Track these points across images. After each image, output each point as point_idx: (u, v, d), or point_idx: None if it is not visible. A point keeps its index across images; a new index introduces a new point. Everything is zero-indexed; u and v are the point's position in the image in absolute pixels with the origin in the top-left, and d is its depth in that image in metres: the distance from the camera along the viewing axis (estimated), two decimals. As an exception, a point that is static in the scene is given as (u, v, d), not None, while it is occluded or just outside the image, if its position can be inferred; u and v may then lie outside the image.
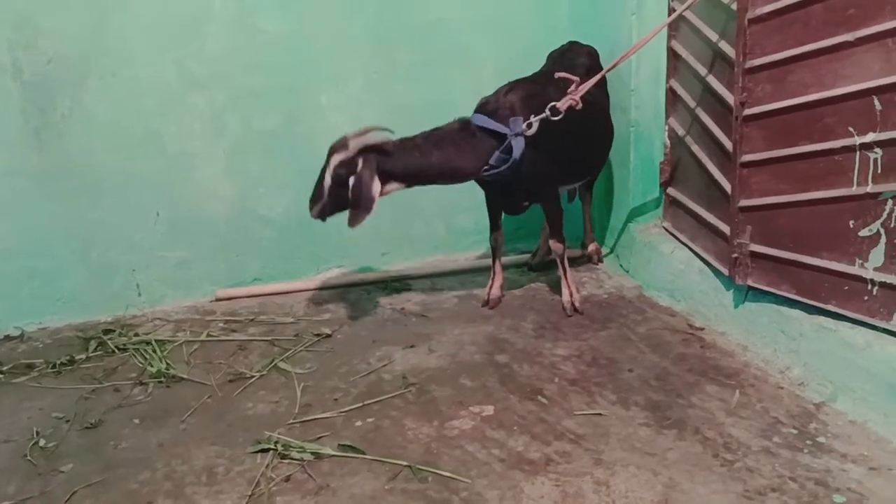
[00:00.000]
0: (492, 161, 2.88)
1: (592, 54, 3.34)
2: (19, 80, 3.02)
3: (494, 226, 3.25)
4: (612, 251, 3.69)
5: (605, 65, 3.40)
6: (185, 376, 2.74)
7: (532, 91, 2.95)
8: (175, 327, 3.18)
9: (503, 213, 3.27)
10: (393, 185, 2.92)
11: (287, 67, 3.39)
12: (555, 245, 3.15)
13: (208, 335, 3.08)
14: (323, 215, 2.95)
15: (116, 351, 2.96)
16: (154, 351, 2.91)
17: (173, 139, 3.28)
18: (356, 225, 2.84)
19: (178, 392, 2.65)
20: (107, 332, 3.10)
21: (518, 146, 2.83)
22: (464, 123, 2.93)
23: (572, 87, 2.89)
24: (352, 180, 2.82)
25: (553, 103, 2.83)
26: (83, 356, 2.91)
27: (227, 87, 3.32)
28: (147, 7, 3.14)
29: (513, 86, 2.99)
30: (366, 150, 2.84)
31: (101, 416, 2.50)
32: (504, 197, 3.15)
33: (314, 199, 2.93)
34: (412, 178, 2.94)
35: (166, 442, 2.34)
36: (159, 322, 3.24)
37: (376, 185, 2.84)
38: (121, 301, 3.31)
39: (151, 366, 2.80)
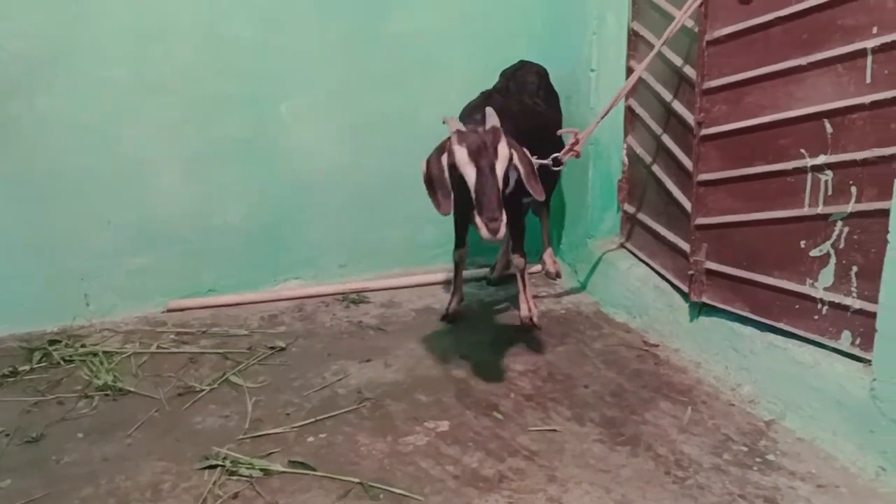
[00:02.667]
0: None
1: (541, 73, 3.37)
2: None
3: (461, 242, 3.23)
4: (570, 267, 3.70)
5: (562, 83, 3.44)
6: (132, 389, 2.67)
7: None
8: (124, 339, 3.10)
9: (468, 228, 3.23)
10: None
11: (252, 75, 3.34)
12: (518, 260, 3.15)
13: (158, 347, 3.00)
14: (506, 229, 2.43)
15: (62, 362, 2.87)
16: (101, 363, 2.83)
17: (130, 144, 3.21)
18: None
19: (124, 405, 2.58)
20: (52, 342, 3.01)
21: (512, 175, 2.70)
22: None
23: (572, 139, 2.86)
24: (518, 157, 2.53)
25: (556, 155, 2.80)
26: (27, 367, 2.82)
27: (188, 93, 3.26)
28: (109, 11, 3.07)
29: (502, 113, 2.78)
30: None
31: (43, 429, 2.42)
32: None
33: (494, 215, 2.35)
34: None
35: (111, 457, 2.27)
36: (108, 333, 3.15)
37: (516, 151, 2.55)
38: (68, 311, 3.21)
39: (98, 378, 2.72)
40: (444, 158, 2.48)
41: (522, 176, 2.53)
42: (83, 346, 3.00)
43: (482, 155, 2.40)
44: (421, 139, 3.62)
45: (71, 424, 2.46)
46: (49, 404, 2.58)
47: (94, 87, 3.10)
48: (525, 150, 2.60)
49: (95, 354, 2.90)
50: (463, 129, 2.46)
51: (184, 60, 3.21)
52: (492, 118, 2.52)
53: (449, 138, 2.49)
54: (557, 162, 2.84)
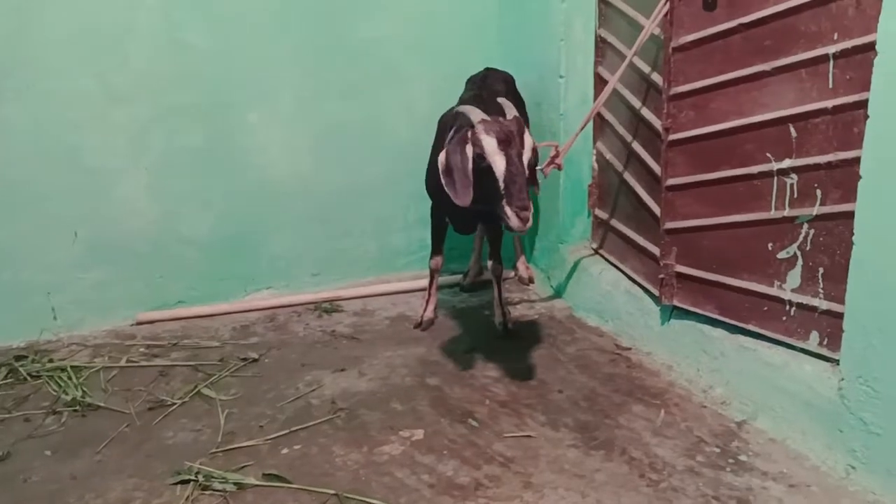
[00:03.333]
0: None
1: (508, 80, 3.38)
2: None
3: (437, 250, 3.23)
4: (543, 272, 3.72)
5: (531, 90, 3.46)
6: (101, 404, 2.62)
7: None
8: (93, 353, 3.05)
9: (446, 236, 3.23)
10: None
11: (214, 84, 3.31)
12: (495, 266, 3.16)
13: (128, 361, 2.95)
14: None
15: (29, 378, 2.81)
16: (69, 378, 2.78)
17: (93, 154, 3.16)
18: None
19: (94, 421, 2.53)
20: (19, 358, 2.94)
21: None
22: None
23: (553, 152, 2.87)
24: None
25: (539, 167, 2.81)
26: (-8, 384, 2.76)
27: (151, 102, 3.22)
28: (67, 18, 3.02)
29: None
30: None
31: (9, 447, 2.36)
32: (462, 217, 3.08)
33: (527, 204, 2.35)
34: None
35: (80, 474, 2.22)
36: (76, 347, 3.10)
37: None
38: (34, 325, 3.15)
39: (66, 394, 2.67)
40: (469, 149, 2.44)
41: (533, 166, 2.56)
42: (51, 360, 2.94)
43: (511, 144, 2.40)
44: (387, 146, 3.67)
45: (38, 442, 2.41)
46: (15, 421, 2.53)
47: (50, 98, 3.04)
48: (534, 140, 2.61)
49: (63, 369, 2.85)
50: (487, 118, 2.47)
51: (142, 69, 3.17)
52: (510, 109, 2.56)
53: (469, 130, 2.47)
54: (541, 173, 2.85)
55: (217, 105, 3.34)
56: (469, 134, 2.45)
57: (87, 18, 3.05)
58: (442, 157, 2.52)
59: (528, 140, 2.47)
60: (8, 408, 2.60)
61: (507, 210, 2.36)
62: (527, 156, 2.45)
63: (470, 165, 2.44)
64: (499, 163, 2.39)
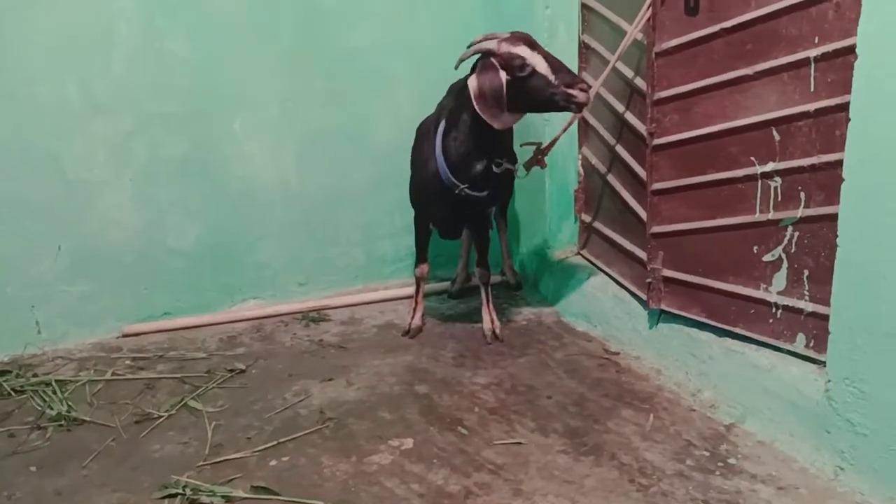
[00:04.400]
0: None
1: None
2: None
3: (422, 258, 3.23)
4: (530, 277, 3.72)
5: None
6: (87, 418, 2.59)
7: None
8: (78, 366, 3.02)
9: (430, 239, 3.24)
10: None
11: (198, 92, 3.30)
12: (483, 273, 3.16)
13: (113, 374, 2.92)
14: None
15: (13, 393, 2.77)
16: (54, 392, 2.74)
17: (75, 165, 3.13)
18: None
19: (79, 435, 2.50)
20: (2, 373, 2.90)
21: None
22: None
23: (537, 149, 2.95)
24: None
25: (522, 164, 2.93)
26: (-25, 399, 2.73)
27: (133, 111, 3.20)
28: (47, 26, 2.99)
29: None
30: None
31: (-7, 464, 2.34)
32: (451, 219, 3.12)
33: (580, 79, 2.65)
34: None
35: (65, 490, 2.20)
36: (61, 361, 3.07)
37: None
38: (19, 339, 3.11)
39: (51, 408, 2.64)
40: (501, 73, 2.62)
41: None
42: (35, 375, 2.90)
43: (536, 45, 2.64)
44: (372, 153, 3.66)
45: (22, 458, 2.37)
46: (-1, 437, 2.50)
47: (31, 108, 3.02)
48: None
49: (48, 384, 2.81)
50: (504, 35, 2.65)
51: (124, 78, 3.15)
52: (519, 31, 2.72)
53: (492, 57, 2.64)
54: (522, 171, 2.91)
55: (200, 113, 3.32)
56: (493, 60, 2.63)
57: (67, 27, 3.03)
58: (473, 84, 2.67)
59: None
60: (-9, 424, 2.58)
61: (572, 91, 2.56)
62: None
63: (504, 83, 2.61)
64: (539, 62, 2.59)
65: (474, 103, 2.66)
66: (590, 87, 2.60)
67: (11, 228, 3.06)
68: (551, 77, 2.57)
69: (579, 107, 2.60)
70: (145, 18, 3.14)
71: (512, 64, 2.60)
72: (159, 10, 3.17)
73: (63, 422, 2.57)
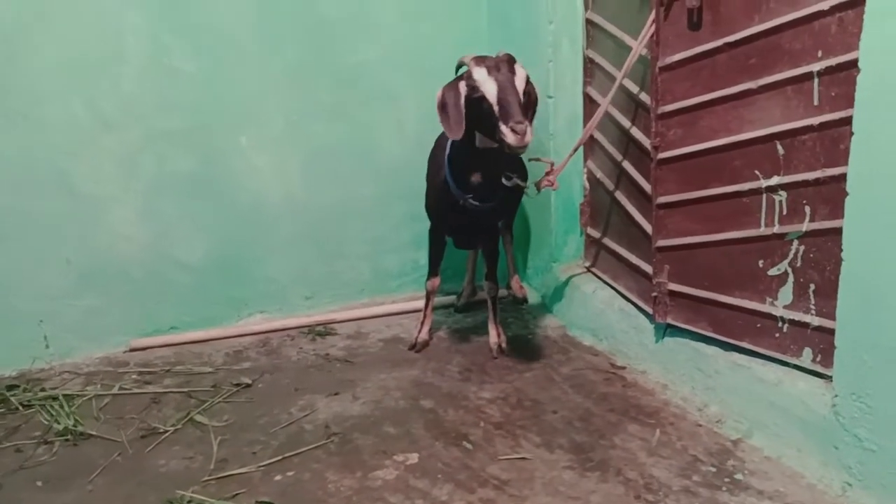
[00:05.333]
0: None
1: None
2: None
3: (434, 271, 3.23)
4: (536, 291, 3.71)
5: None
6: (93, 433, 2.60)
7: None
8: (85, 380, 3.03)
9: (444, 253, 3.24)
10: None
11: (204, 108, 3.33)
12: (490, 286, 3.16)
13: (120, 388, 2.94)
14: (532, 136, 2.51)
15: (20, 408, 2.79)
16: (61, 406, 2.76)
17: (84, 181, 3.16)
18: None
19: (85, 450, 2.51)
20: (10, 387, 2.92)
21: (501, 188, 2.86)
22: None
23: (548, 168, 2.92)
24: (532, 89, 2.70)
25: (533, 183, 2.89)
26: (-17, 414, 2.74)
27: (141, 127, 3.23)
28: (56, 45, 3.03)
29: None
30: None
31: (0, 479, 2.34)
32: (465, 228, 3.10)
33: (522, 118, 2.46)
34: None
35: (71, 505, 2.21)
36: (68, 375, 3.08)
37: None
38: (26, 354, 3.13)
39: (58, 423, 2.65)
40: (462, 85, 2.61)
41: (532, 99, 2.67)
42: (42, 389, 2.92)
43: (501, 70, 2.55)
44: (378, 167, 3.68)
45: (29, 473, 2.38)
46: (6, 452, 2.50)
47: (40, 124, 3.05)
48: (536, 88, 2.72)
49: (55, 398, 2.83)
50: (479, 56, 2.61)
51: (131, 95, 3.19)
52: (504, 53, 2.65)
53: (458, 75, 2.65)
54: (535, 189, 2.89)
55: (207, 129, 3.35)
56: (464, 75, 2.62)
57: (76, 45, 3.07)
58: (438, 94, 2.67)
59: (520, 70, 2.59)
60: (-1, 438, 2.59)
61: (503, 128, 2.46)
62: (520, 83, 2.56)
63: (462, 100, 2.59)
64: (490, 88, 2.52)
65: (438, 114, 2.68)
66: (525, 129, 2.43)
67: (20, 243, 3.09)
68: (495, 107, 2.50)
69: (508, 146, 2.48)
70: (152, 36, 3.18)
71: (468, 84, 2.59)
72: (166, 28, 3.21)
73: (70, 436, 2.58)
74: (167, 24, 3.21)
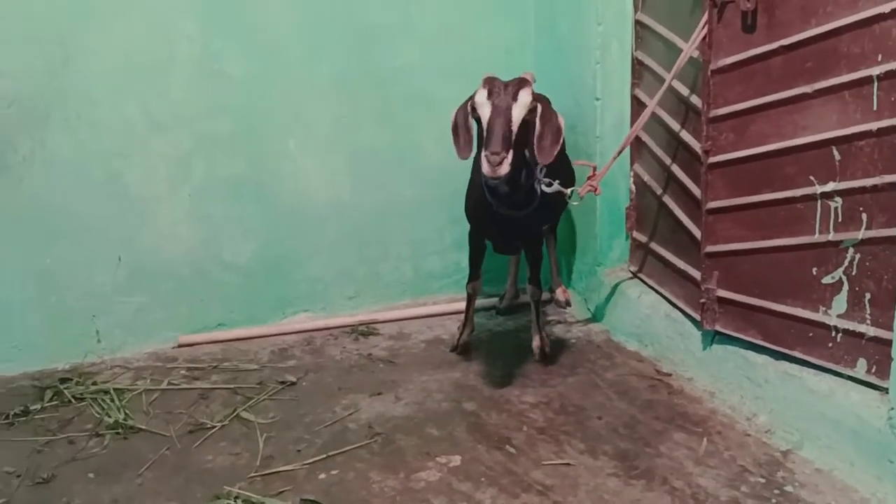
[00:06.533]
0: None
1: (545, 103, 3.36)
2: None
3: (475, 274, 3.21)
4: (580, 295, 3.69)
5: (567, 112, 3.43)
6: (143, 427, 2.65)
7: None
8: (135, 375, 3.09)
9: (484, 256, 3.22)
10: None
11: (253, 112, 3.37)
12: (533, 290, 3.14)
13: (169, 383, 2.99)
14: (512, 168, 2.45)
15: (73, 401, 2.85)
16: (112, 400, 2.82)
17: (136, 182, 3.23)
18: (543, 163, 2.64)
19: (135, 444, 2.57)
20: (63, 380, 3.00)
21: (539, 195, 2.79)
22: None
23: (591, 173, 2.89)
24: (540, 115, 2.58)
25: (574, 188, 2.84)
26: (38, 406, 2.80)
27: (191, 130, 3.28)
28: (110, 48, 3.10)
29: None
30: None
31: (53, 470, 2.40)
32: (503, 234, 3.07)
33: (497, 150, 2.41)
34: None
35: (121, 498, 2.25)
36: (119, 370, 3.15)
37: (561, 119, 2.64)
38: (79, 348, 3.21)
39: (109, 416, 2.71)
40: (468, 106, 2.61)
41: (536, 132, 2.58)
42: (94, 383, 2.99)
43: (500, 96, 2.51)
44: (421, 171, 3.68)
45: (81, 464, 2.44)
46: (60, 444, 2.57)
47: (94, 127, 3.12)
48: (560, 116, 2.65)
49: (106, 392, 2.89)
50: (491, 76, 2.60)
51: (182, 98, 3.23)
52: (527, 76, 2.62)
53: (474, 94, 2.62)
54: (575, 195, 2.84)
55: (255, 132, 3.39)
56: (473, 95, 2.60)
57: (130, 49, 3.13)
58: (452, 114, 2.68)
59: (522, 97, 2.52)
60: (53, 430, 2.65)
61: (482, 154, 2.45)
62: (518, 111, 2.50)
63: (470, 122, 2.60)
64: (485, 112, 2.52)
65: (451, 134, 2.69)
66: (498, 161, 2.39)
67: (75, 242, 3.17)
68: (484, 132, 2.50)
69: (485, 176, 2.47)
70: (203, 41, 3.23)
71: (470, 104, 2.60)
72: (217, 33, 3.26)
73: (120, 430, 2.64)
74: (217, 29, 3.27)
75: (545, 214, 3.06)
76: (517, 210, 2.80)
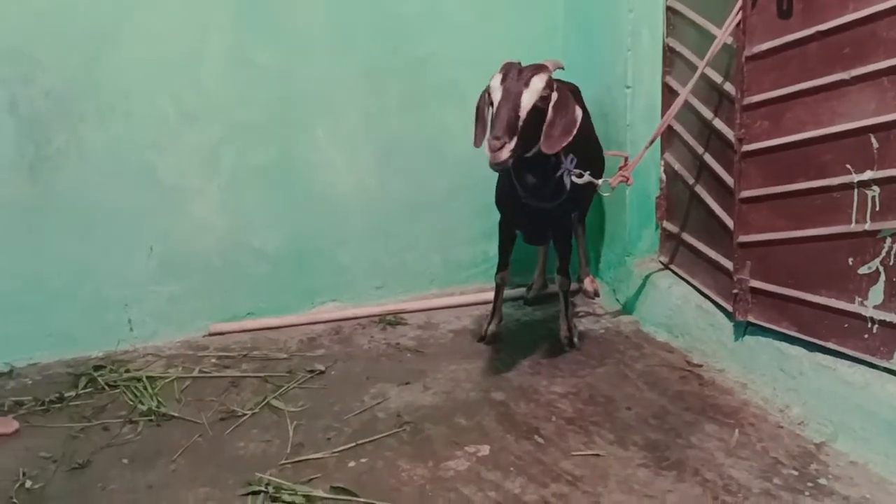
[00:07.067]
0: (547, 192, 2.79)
1: (574, 91, 3.34)
2: (15, 114, 3.00)
3: (504, 264, 3.21)
4: (608, 285, 3.66)
5: (597, 101, 3.42)
6: (175, 414, 2.69)
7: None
8: (167, 363, 3.13)
9: (513, 245, 3.21)
10: None
11: (282, 101, 3.38)
12: (562, 280, 3.13)
13: (200, 371, 3.03)
14: (513, 157, 2.43)
15: (107, 388, 2.90)
16: (145, 388, 2.86)
17: (168, 173, 3.26)
18: (549, 152, 2.55)
19: (168, 431, 2.60)
20: (97, 368, 3.04)
21: (567, 186, 2.75)
22: None
23: (623, 164, 2.87)
24: (553, 103, 2.54)
25: (606, 179, 2.81)
26: (73, 393, 2.85)
27: (221, 120, 3.30)
28: (143, 40, 3.13)
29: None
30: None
31: (89, 456, 2.44)
32: (533, 225, 3.06)
33: (499, 135, 2.40)
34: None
35: (155, 484, 2.29)
36: (151, 358, 3.19)
37: (578, 111, 2.58)
38: (112, 336, 3.26)
39: (142, 403, 2.75)
40: (485, 90, 2.60)
41: (547, 119, 2.53)
42: (127, 371, 3.03)
43: (513, 81, 2.49)
44: (449, 160, 3.67)
45: (116, 450, 2.48)
46: (94, 430, 2.61)
47: (127, 119, 3.15)
48: (579, 109, 2.61)
49: (139, 380, 2.93)
50: (511, 61, 2.58)
51: (213, 89, 3.26)
52: (548, 63, 2.60)
53: None
54: (607, 187, 2.82)
55: (285, 122, 3.41)
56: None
57: (162, 42, 3.15)
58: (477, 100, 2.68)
59: (535, 83, 2.48)
60: (88, 417, 2.69)
61: (485, 140, 2.46)
62: (528, 97, 2.47)
63: (486, 107, 2.58)
64: (496, 96, 2.50)
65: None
66: (498, 146, 2.38)
67: (108, 232, 3.21)
68: (491, 117, 2.50)
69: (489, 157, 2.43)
70: (233, 31, 3.24)
71: (487, 89, 2.59)
72: (246, 23, 3.27)
73: (153, 417, 2.67)
74: (247, 21, 3.28)
75: (573, 204, 3.04)
76: (546, 202, 2.78)
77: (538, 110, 2.50)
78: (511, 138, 2.40)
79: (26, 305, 3.13)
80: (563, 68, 2.72)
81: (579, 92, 3.37)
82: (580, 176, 2.72)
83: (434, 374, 2.95)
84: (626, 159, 2.87)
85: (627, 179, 2.83)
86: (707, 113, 2.88)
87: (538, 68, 2.54)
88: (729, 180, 2.71)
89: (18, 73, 2.99)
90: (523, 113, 2.45)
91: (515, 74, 2.51)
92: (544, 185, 2.71)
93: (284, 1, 3.32)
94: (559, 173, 2.71)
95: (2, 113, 2.99)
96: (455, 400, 2.73)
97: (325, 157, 3.51)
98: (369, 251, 3.68)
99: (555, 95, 2.55)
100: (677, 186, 3.19)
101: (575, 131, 2.57)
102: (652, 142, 2.88)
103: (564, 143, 2.54)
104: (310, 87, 3.42)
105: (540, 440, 2.43)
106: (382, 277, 3.72)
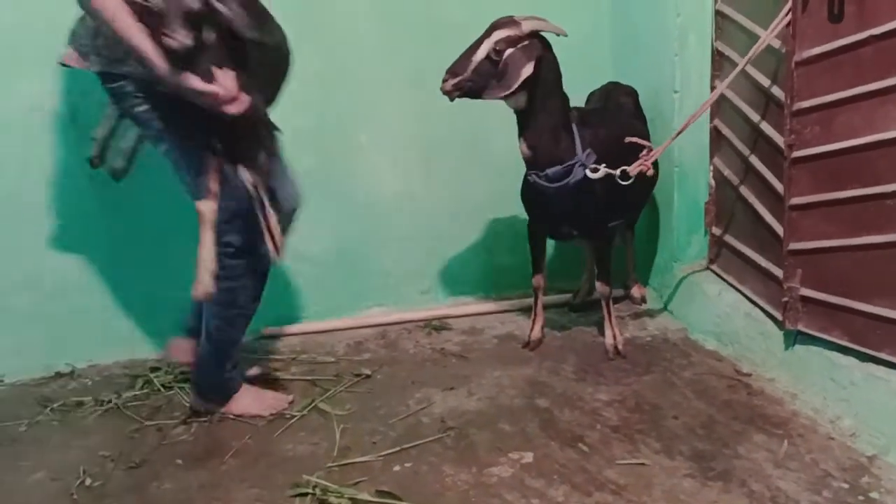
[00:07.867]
0: (549, 171, 2.85)
1: (632, 94, 3.34)
2: (76, 124, 3.12)
3: (537, 268, 3.22)
4: (656, 292, 3.63)
5: (644, 105, 3.40)
6: (227, 416, 2.76)
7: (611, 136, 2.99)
8: (219, 365, 3.21)
9: (545, 252, 3.22)
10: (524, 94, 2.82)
11: (327, 106, 3.44)
12: (602, 287, 3.11)
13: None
14: (457, 90, 2.78)
15: (162, 389, 2.99)
16: (198, 389, 2.95)
17: (218, 179, 3.35)
18: (489, 98, 2.80)
19: (219, 432, 2.67)
20: (153, 369, 3.14)
21: (576, 175, 2.82)
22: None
23: (644, 153, 2.87)
24: (506, 56, 2.72)
25: (624, 168, 2.80)
26: (130, 394, 2.96)
27: (271, 127, 3.38)
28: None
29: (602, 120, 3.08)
30: (536, 37, 2.78)
31: (144, 455, 2.52)
32: (551, 219, 3.09)
33: (453, 70, 2.75)
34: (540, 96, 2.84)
35: (207, 483, 2.35)
36: (204, 360, 3.28)
37: (528, 69, 2.70)
38: (168, 338, 3.35)
39: (195, 405, 2.84)
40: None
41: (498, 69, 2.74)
42: (182, 372, 3.10)
43: (486, 30, 2.76)
44: (494, 165, 3.68)
45: (169, 450, 2.56)
46: (149, 430, 2.70)
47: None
48: (527, 68, 2.73)
49: (193, 381, 3.02)
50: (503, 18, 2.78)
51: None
52: (524, 19, 2.76)
53: None
54: (625, 175, 2.79)
55: (330, 127, 3.47)
56: None
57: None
58: None
59: (496, 34, 2.72)
60: (143, 418, 2.79)
61: None
62: (483, 48, 2.72)
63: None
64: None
65: None
66: (445, 80, 2.76)
67: (165, 236, 3.30)
68: None
69: None
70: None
71: None
72: (292, 28, 3.31)
73: (206, 418, 2.75)
74: (293, 25, 3.33)
75: (613, 212, 3.02)
76: (553, 182, 2.83)
77: (491, 60, 2.71)
78: (454, 77, 2.72)
79: (87, 307, 3.25)
80: (561, 34, 2.83)
81: (636, 95, 3.36)
82: (595, 170, 2.74)
83: (478, 379, 2.97)
84: (650, 150, 2.86)
85: (648, 168, 2.81)
86: (755, 118, 2.83)
87: (506, 24, 2.72)
88: (779, 186, 2.66)
89: (77, 85, 3.11)
90: (475, 60, 2.71)
91: (493, 26, 2.73)
92: (539, 154, 2.85)
93: (331, 5, 3.38)
94: (574, 161, 2.80)
95: (64, 122, 3.11)
96: (499, 406, 2.74)
97: (369, 162, 3.56)
98: (414, 255, 3.72)
99: (510, 51, 2.70)
100: (726, 192, 3.15)
101: (513, 88, 2.71)
102: (679, 133, 2.84)
103: (499, 95, 2.75)
104: (354, 91, 3.47)
105: (584, 448, 2.42)
106: (427, 282, 3.76)
